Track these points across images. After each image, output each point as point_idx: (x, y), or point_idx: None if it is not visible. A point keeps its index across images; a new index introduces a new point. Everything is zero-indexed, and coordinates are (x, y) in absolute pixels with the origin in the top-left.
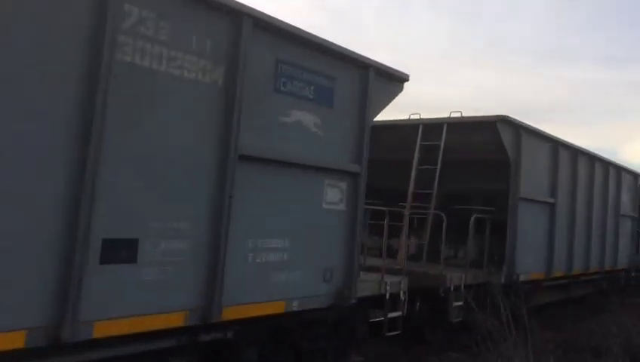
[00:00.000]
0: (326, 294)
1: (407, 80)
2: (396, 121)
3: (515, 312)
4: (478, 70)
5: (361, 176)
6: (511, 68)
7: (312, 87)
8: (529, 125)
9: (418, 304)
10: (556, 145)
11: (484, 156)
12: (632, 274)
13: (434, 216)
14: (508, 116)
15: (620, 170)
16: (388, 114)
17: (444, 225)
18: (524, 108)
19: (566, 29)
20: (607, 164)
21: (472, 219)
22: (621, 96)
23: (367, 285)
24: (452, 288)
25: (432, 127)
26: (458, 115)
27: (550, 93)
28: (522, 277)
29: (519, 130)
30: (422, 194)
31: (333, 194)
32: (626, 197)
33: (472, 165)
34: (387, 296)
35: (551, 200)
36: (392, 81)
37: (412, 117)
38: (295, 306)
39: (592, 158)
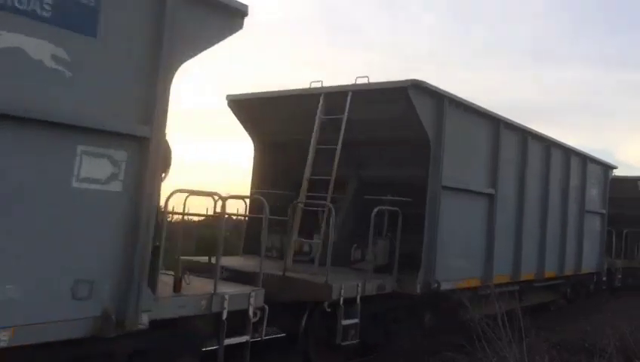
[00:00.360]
0: (80, 319)
1: (246, 14)
2: (296, 90)
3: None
4: (477, 70)
5: (151, 143)
6: (510, 68)
7: (49, 1)
8: (456, 95)
9: (304, 322)
10: (497, 124)
11: (401, 134)
12: (603, 278)
13: (345, 209)
14: (424, 82)
15: (585, 159)
16: None
17: (332, 219)
18: (524, 108)
19: (565, 30)
20: (568, 152)
21: (375, 211)
22: (620, 97)
23: (185, 301)
24: (342, 301)
25: (336, 96)
26: (365, 80)
27: (549, 94)
28: (445, 286)
29: (442, 100)
30: (321, 181)
31: (97, 168)
32: (593, 191)
33: (388, 146)
34: (224, 316)
35: (490, 191)
36: (218, 11)
37: (313, 85)
38: (4, 339)
39: (547, 143)
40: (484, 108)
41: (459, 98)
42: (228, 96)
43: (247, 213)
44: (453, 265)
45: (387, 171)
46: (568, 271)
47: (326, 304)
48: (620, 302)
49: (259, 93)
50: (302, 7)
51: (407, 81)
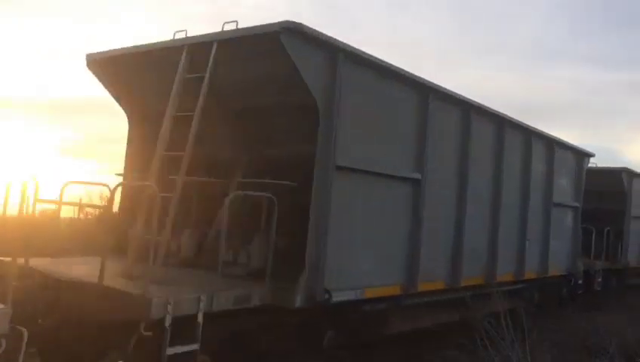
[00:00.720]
0: None
1: None
2: (159, 43)
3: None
4: (478, 69)
5: None
6: (512, 68)
7: None
8: (360, 50)
9: (131, 346)
10: (425, 93)
11: (287, 99)
12: (579, 281)
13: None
14: (304, 25)
15: (552, 143)
16: None
17: (157, 207)
18: (528, 107)
19: (570, 29)
20: (528, 133)
21: (228, 199)
22: (626, 97)
23: None
24: (168, 321)
25: (202, 49)
26: (233, 26)
27: (552, 93)
28: (342, 296)
29: (335, 54)
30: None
31: None
32: (563, 181)
33: (278, 116)
34: None
35: (415, 176)
36: None
37: (178, 35)
38: None
39: (499, 121)
40: (405, 71)
41: (364, 54)
42: (88, 56)
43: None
44: (359, 269)
45: (280, 149)
46: (530, 273)
47: (142, 325)
48: (620, 302)
49: (123, 48)
50: (302, 5)
51: (279, 23)
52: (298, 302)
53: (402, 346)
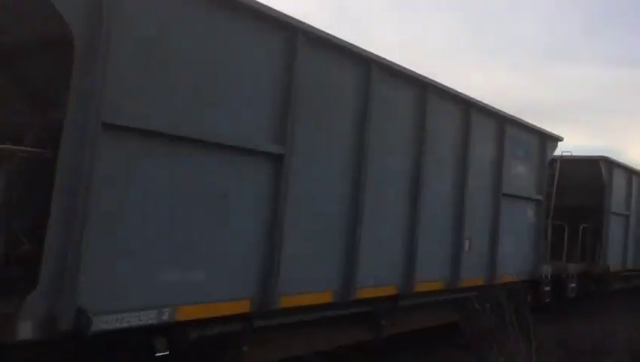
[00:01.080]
0: None
1: None
2: None
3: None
4: (481, 70)
5: None
6: (515, 68)
7: None
8: None
9: None
10: (292, 35)
11: (40, 31)
12: (545, 288)
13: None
14: None
15: (502, 121)
16: None
17: None
18: (528, 108)
19: (577, 29)
20: (466, 105)
21: None
22: (629, 97)
23: None
24: None
25: None
26: None
27: (555, 92)
28: (115, 322)
29: None
30: None
31: None
32: (521, 169)
33: (34, 56)
34: None
35: (272, 149)
36: None
37: None
38: None
39: (420, 86)
40: (259, 4)
41: None
42: None
43: None
44: (164, 280)
45: (50, 105)
46: (471, 280)
47: None
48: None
49: None
50: (308, 5)
51: None
52: (25, 331)
53: (402, 346)
